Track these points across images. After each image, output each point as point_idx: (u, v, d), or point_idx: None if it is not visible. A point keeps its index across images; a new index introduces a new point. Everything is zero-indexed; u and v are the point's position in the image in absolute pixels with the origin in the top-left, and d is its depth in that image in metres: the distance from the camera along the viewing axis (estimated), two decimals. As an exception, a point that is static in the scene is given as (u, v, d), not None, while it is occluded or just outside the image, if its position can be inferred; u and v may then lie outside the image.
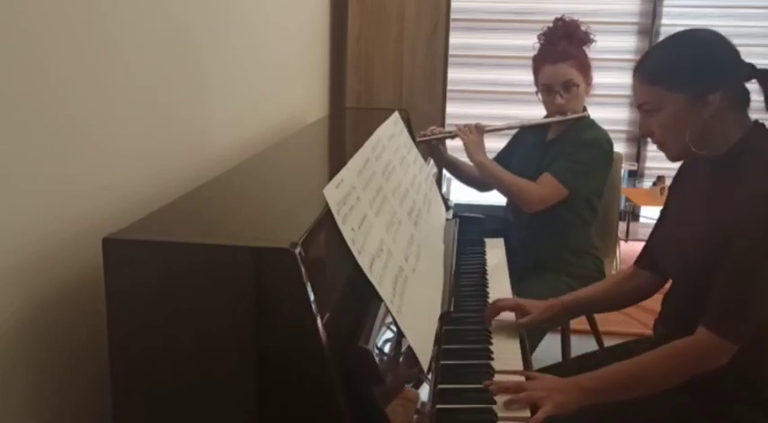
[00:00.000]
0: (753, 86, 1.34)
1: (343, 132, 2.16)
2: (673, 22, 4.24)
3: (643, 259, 1.59)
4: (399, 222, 1.33)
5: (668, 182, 1.61)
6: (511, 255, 2.04)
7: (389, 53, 2.73)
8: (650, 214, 4.18)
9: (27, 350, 0.95)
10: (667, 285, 1.52)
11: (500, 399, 1.22)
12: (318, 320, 0.84)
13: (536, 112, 2.28)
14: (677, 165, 1.54)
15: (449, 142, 2.36)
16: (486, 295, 1.71)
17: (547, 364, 1.72)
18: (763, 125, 1.34)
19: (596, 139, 2.12)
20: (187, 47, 1.39)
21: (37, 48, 0.94)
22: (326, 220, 0.98)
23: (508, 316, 1.58)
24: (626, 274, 1.63)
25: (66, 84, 1.01)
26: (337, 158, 1.69)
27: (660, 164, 4.40)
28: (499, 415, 1.18)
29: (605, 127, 2.18)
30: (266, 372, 0.87)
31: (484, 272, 1.86)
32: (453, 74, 3.05)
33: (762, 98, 1.33)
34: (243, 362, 0.87)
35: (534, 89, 2.22)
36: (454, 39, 2.93)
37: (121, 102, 1.16)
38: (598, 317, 2.50)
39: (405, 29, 2.71)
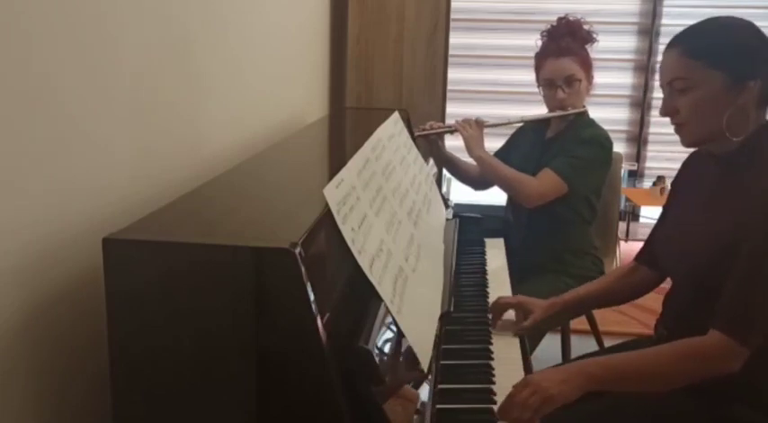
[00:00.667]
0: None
1: (343, 132, 2.16)
2: (673, 22, 4.24)
3: (644, 255, 1.59)
4: (399, 222, 1.33)
5: (668, 182, 1.60)
6: (511, 255, 2.04)
7: (389, 53, 2.73)
8: (650, 214, 4.18)
9: (27, 350, 0.95)
10: (667, 285, 1.52)
11: (500, 397, 1.21)
12: (318, 320, 0.84)
13: (536, 112, 2.28)
14: (677, 165, 1.53)
15: (448, 141, 2.37)
16: (486, 295, 1.71)
17: (547, 364, 1.71)
18: None
19: (596, 137, 2.12)
20: (187, 47, 1.39)
21: (37, 48, 0.94)
22: (326, 220, 0.98)
23: (509, 316, 1.59)
24: (627, 269, 1.62)
25: (66, 84, 1.01)
26: (337, 158, 1.69)
27: (660, 164, 4.40)
28: (499, 415, 1.18)
29: (605, 127, 2.18)
30: (266, 372, 0.87)
31: (484, 272, 1.87)
32: (453, 74, 3.05)
33: None
34: (243, 362, 0.87)
35: (534, 89, 2.23)
36: (454, 39, 2.93)
37: (121, 102, 1.15)
38: (598, 317, 2.50)
39: (405, 29, 2.71)
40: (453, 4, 2.75)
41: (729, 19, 1.33)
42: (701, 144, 1.38)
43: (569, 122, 2.18)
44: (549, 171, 2.07)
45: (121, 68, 1.15)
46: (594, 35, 2.17)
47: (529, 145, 2.27)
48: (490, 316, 1.58)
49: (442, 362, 1.31)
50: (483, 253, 2.02)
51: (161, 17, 1.28)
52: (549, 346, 2.21)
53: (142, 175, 1.23)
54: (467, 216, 2.18)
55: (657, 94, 4.28)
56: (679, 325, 1.41)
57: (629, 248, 3.92)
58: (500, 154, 2.36)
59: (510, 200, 2.30)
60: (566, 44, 2.12)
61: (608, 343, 2.33)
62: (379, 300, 1.04)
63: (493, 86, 4.40)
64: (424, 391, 1.13)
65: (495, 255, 2.02)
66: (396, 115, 1.85)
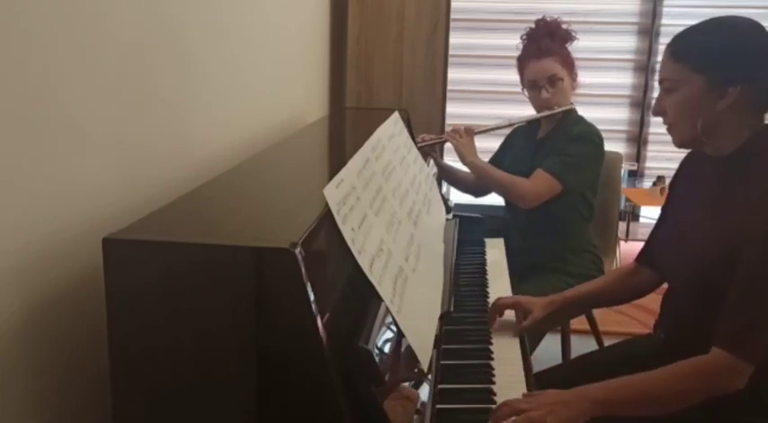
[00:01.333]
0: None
1: (343, 132, 2.16)
2: (673, 22, 4.23)
3: (644, 256, 1.58)
4: (399, 222, 1.33)
5: (668, 182, 1.59)
6: (511, 255, 2.04)
7: (389, 53, 2.73)
8: (650, 214, 4.18)
9: (27, 350, 0.95)
10: (666, 285, 1.51)
11: (500, 397, 1.21)
12: (318, 320, 0.84)
13: (533, 112, 2.29)
14: (677, 165, 1.53)
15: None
16: (486, 295, 1.71)
17: (547, 364, 1.72)
18: None
19: (586, 134, 2.13)
20: (187, 47, 1.39)
21: (37, 48, 0.94)
22: (326, 220, 0.98)
23: (509, 316, 1.58)
24: (628, 270, 1.62)
25: (66, 84, 1.01)
26: (337, 158, 1.69)
27: (660, 164, 4.40)
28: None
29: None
30: (266, 372, 0.87)
31: (484, 272, 1.87)
32: (453, 74, 3.05)
33: None
34: (243, 362, 0.87)
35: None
36: (454, 39, 2.93)
37: (121, 102, 1.16)
38: (598, 317, 2.50)
39: (405, 29, 2.71)
40: (453, 4, 2.75)
41: (726, 23, 1.31)
42: (690, 146, 1.38)
43: (558, 121, 2.19)
44: (542, 171, 2.09)
45: (120, 69, 1.15)
46: (573, 34, 2.20)
47: (522, 146, 2.29)
48: (490, 316, 1.57)
49: (442, 362, 1.31)
50: (483, 253, 2.02)
51: (161, 17, 1.28)
52: (549, 346, 2.21)
53: (142, 175, 1.23)
54: (467, 216, 2.18)
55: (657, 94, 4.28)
56: (678, 327, 1.41)
57: (629, 248, 3.92)
58: (495, 158, 2.39)
59: (507, 202, 2.31)
60: (545, 45, 2.15)
61: (608, 343, 2.33)
62: (379, 300, 1.04)
63: (493, 86, 4.40)
64: (424, 391, 1.13)
65: (495, 255, 2.02)
66: (396, 115, 1.85)
